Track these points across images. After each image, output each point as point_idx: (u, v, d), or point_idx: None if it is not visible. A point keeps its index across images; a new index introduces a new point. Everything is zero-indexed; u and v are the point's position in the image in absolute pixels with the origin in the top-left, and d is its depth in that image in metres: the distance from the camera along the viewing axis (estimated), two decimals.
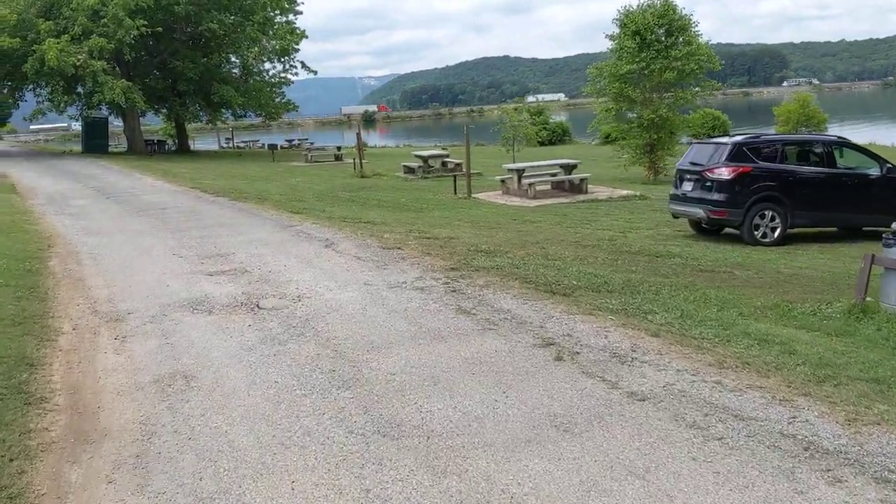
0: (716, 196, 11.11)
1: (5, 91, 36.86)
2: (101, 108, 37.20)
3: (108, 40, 31.02)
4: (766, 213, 11.02)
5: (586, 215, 13.93)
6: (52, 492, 3.39)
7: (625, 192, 17.46)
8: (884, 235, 6.44)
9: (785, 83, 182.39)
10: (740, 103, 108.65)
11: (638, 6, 21.82)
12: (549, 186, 17.85)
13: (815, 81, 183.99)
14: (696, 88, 22.61)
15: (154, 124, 54.92)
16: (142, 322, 6.09)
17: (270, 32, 38.11)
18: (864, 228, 11.62)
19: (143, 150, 37.20)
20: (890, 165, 11.65)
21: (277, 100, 40.70)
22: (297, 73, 41.18)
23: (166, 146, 42.14)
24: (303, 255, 8.75)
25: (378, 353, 5.12)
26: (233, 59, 40.50)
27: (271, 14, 37.99)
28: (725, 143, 11.54)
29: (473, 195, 16.70)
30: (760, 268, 8.82)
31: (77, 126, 49.04)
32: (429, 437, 3.80)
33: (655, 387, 4.37)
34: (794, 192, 11.12)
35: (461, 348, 5.16)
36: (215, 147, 49.34)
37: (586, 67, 24.61)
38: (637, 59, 21.11)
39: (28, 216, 13.12)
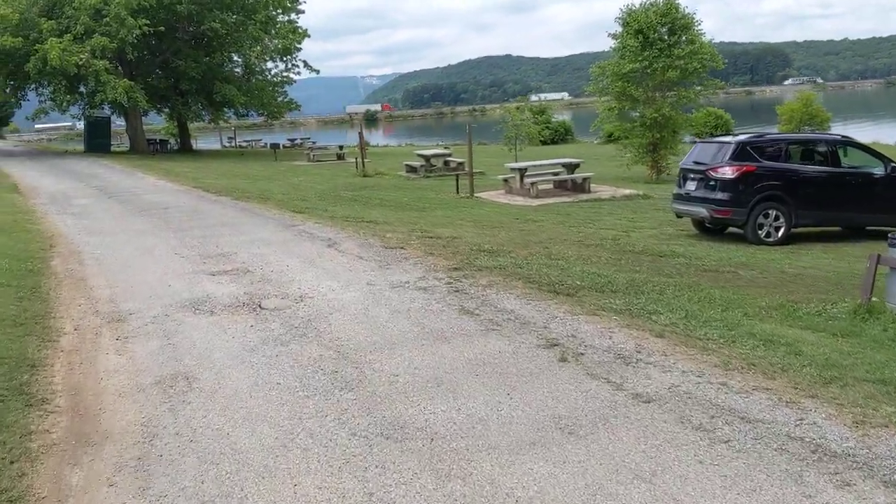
0: (719, 195, 11.07)
1: (8, 91, 36.84)
2: (103, 108, 37.24)
3: (111, 39, 31.08)
4: (769, 212, 10.97)
5: (589, 215, 13.89)
6: (52, 495, 3.36)
7: (628, 192, 17.41)
8: (889, 235, 6.42)
9: (788, 82, 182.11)
10: (743, 102, 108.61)
11: (641, 5, 21.76)
12: (551, 186, 17.81)
13: (819, 80, 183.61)
14: (699, 87, 22.51)
15: (156, 123, 54.91)
16: (143, 322, 6.07)
17: (273, 31, 38.09)
18: (867, 228, 11.59)
19: (145, 149, 37.27)
20: (894, 164, 11.58)
21: (280, 99, 40.68)
22: (299, 73, 41.24)
23: (169, 145, 42.17)
24: (305, 255, 8.72)
25: (381, 353, 5.09)
26: (235, 58, 40.52)
27: (273, 13, 37.94)
28: (729, 143, 11.48)
29: (476, 194, 16.66)
30: (764, 267, 8.78)
31: (81, 125, 49.05)
32: (432, 440, 3.77)
33: (661, 388, 4.34)
34: (797, 192, 11.07)
35: (464, 349, 5.13)
36: (218, 146, 49.43)
37: (589, 66, 24.58)
38: (640, 58, 21.06)
39: (30, 216, 13.12)
